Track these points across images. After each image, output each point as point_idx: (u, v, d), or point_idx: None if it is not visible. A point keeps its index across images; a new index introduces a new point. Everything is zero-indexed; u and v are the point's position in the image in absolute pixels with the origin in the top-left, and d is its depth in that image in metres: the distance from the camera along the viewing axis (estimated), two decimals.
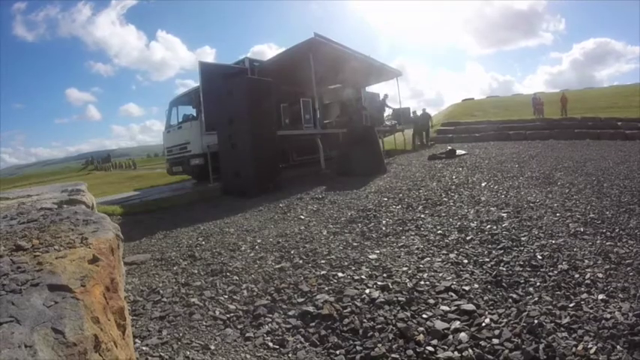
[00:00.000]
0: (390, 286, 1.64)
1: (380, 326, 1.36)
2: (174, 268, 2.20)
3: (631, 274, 1.58)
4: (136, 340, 1.36)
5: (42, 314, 0.66)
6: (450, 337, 1.26)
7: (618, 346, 1.12)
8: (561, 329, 1.23)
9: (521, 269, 1.72)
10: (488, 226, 2.39)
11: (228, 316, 1.55)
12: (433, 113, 11.72)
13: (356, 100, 10.93)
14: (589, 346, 1.13)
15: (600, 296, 1.41)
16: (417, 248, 2.13)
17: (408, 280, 1.70)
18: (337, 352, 1.27)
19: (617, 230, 2.15)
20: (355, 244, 2.32)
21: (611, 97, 15.37)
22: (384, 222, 2.76)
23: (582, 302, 1.38)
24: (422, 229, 2.51)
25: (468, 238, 2.21)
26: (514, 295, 1.50)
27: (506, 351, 1.16)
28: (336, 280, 1.77)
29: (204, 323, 1.50)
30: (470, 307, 1.42)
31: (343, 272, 1.86)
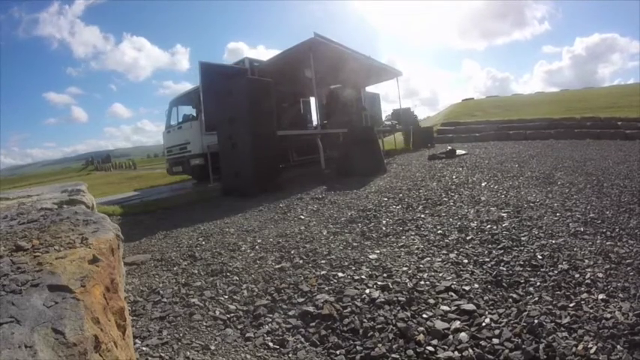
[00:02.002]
0: (390, 286, 1.64)
1: (380, 326, 1.36)
2: (175, 268, 2.20)
3: (631, 273, 1.58)
4: (136, 340, 1.36)
5: (42, 314, 0.66)
6: (450, 337, 1.26)
7: (618, 346, 1.12)
8: (561, 329, 1.23)
9: (521, 269, 1.72)
10: (489, 226, 2.39)
11: (228, 316, 1.55)
12: (429, 113, 11.70)
13: (356, 100, 10.93)
14: (589, 346, 1.13)
15: (600, 296, 1.41)
16: (417, 248, 2.13)
17: (408, 280, 1.70)
18: (337, 352, 1.27)
19: (617, 230, 2.15)
20: (355, 244, 2.32)
21: (612, 96, 15.35)
22: (384, 222, 2.76)
23: (582, 302, 1.38)
24: (422, 229, 2.51)
25: (468, 238, 2.21)
26: (514, 295, 1.50)
27: (507, 351, 1.16)
28: (336, 280, 1.77)
29: (205, 323, 1.50)
30: (470, 307, 1.42)
31: (343, 272, 1.86)
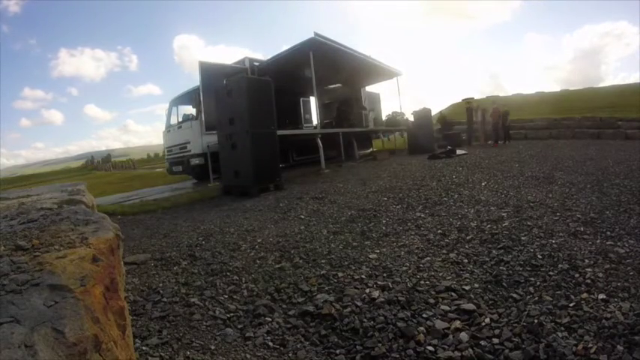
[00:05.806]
0: (390, 286, 1.64)
1: (380, 326, 1.36)
2: (175, 268, 2.20)
3: (631, 273, 1.58)
4: (136, 340, 1.36)
5: (42, 314, 0.66)
6: (450, 336, 1.26)
7: (618, 346, 1.11)
8: (561, 329, 1.23)
9: (521, 269, 1.72)
10: (489, 226, 2.39)
11: (228, 315, 1.55)
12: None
13: (356, 100, 10.93)
14: (589, 346, 1.13)
15: (600, 296, 1.41)
16: (417, 248, 2.13)
17: (408, 279, 1.70)
18: (337, 351, 1.27)
19: (617, 230, 2.14)
20: (355, 243, 2.32)
21: (612, 96, 15.32)
22: (384, 222, 2.76)
23: (582, 302, 1.38)
24: (422, 228, 2.50)
25: (468, 237, 2.21)
26: (514, 295, 1.49)
27: (507, 350, 1.16)
28: (336, 280, 1.77)
29: (205, 323, 1.50)
30: (470, 306, 1.42)
31: (343, 272, 1.86)
